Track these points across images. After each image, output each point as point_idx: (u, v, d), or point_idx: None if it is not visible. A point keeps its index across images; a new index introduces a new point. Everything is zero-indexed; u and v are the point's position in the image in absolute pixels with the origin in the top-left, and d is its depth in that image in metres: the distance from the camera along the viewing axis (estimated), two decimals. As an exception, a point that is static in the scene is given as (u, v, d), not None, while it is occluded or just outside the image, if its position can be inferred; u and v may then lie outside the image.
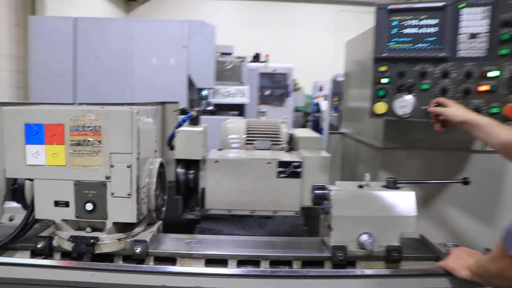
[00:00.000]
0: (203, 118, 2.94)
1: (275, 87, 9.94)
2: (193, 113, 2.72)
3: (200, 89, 6.36)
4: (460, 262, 1.87)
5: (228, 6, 15.70)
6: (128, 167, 1.95)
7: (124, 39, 5.66)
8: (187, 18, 6.32)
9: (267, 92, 9.85)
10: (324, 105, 11.16)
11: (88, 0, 11.72)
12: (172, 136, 2.59)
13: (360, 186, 2.12)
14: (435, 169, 2.49)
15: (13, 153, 1.96)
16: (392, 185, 2.10)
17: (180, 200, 2.65)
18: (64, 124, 1.93)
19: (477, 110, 2.03)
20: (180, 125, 2.62)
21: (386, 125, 2.47)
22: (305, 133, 2.96)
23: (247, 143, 2.96)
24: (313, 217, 2.77)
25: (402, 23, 2.11)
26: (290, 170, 2.52)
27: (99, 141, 1.93)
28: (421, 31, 2.10)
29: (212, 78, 5.89)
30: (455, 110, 2.00)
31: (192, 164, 2.60)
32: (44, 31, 5.64)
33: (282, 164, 2.52)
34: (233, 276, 1.97)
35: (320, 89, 12.25)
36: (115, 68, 5.67)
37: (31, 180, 2.01)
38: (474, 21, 2.00)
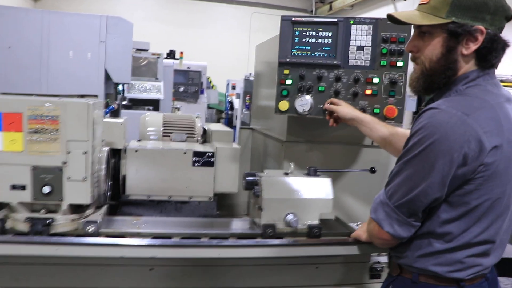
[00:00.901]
0: (122, 112, 3.12)
1: (189, 84, 10.10)
2: (114, 106, 2.92)
3: (117, 84, 6.43)
4: (363, 230, 2.22)
5: (144, 3, 15.56)
6: (84, 153, 2.11)
7: (40, 31, 5.58)
8: (102, 12, 6.33)
9: (181, 89, 9.99)
10: (237, 103, 11.48)
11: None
12: (95, 127, 2.77)
13: (286, 173, 2.43)
14: (332, 160, 2.80)
15: None
16: (312, 173, 2.43)
17: (101, 187, 2.83)
18: (23, 113, 2.05)
19: (363, 110, 2.42)
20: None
21: (289, 121, 2.77)
22: (217, 127, 3.21)
23: (164, 135, 3.15)
24: (224, 204, 3.07)
25: (303, 33, 2.45)
26: (204, 160, 2.76)
27: (57, 130, 2.07)
28: (318, 41, 2.44)
29: (129, 73, 5.96)
30: (345, 109, 2.36)
31: (114, 153, 2.79)
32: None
33: (197, 154, 2.76)
34: (180, 246, 2.19)
35: (233, 87, 12.55)
36: (29, 59, 5.57)
37: None
38: (361, 36, 2.39)
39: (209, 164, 2.75)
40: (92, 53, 5.72)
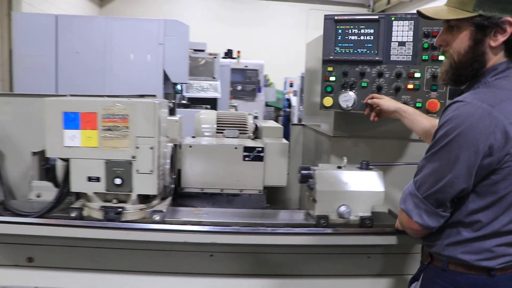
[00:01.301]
0: (177, 110, 3.30)
1: (246, 83, 10.25)
2: (170, 104, 3.09)
3: (175, 84, 6.68)
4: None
5: (200, 3, 15.90)
6: (151, 148, 2.31)
7: (104, 36, 5.93)
8: (160, 14, 6.64)
9: (239, 87, 10.16)
10: (294, 100, 11.56)
11: (63, -5, 11.89)
12: (152, 124, 2.96)
13: (339, 167, 2.53)
14: (378, 154, 2.86)
15: (52, 136, 2.29)
16: (365, 166, 2.51)
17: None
18: (97, 113, 2.28)
19: (405, 104, 2.48)
20: (159, 114, 2.99)
21: (336, 117, 2.86)
22: (268, 124, 3.34)
23: (218, 132, 3.32)
24: (274, 197, 3.20)
25: (346, 31, 2.54)
26: (254, 155, 2.90)
27: (127, 127, 2.28)
28: (360, 38, 2.52)
29: (186, 73, 6.20)
30: (388, 101, 2.43)
31: (170, 149, 2.98)
32: (27, 27, 5.89)
33: (247, 149, 2.90)
34: (238, 233, 2.37)
35: (291, 85, 12.62)
36: (94, 63, 5.94)
37: (66, 160, 2.35)
38: (402, 32, 2.45)
39: (259, 158, 2.88)
40: (152, 55, 5.99)
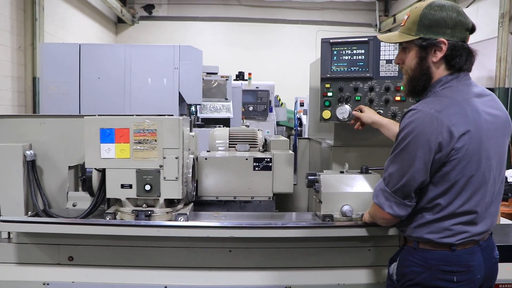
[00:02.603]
0: (193, 130, 3.60)
1: (258, 103, 10.50)
2: (187, 122, 3.42)
3: (190, 105, 7.01)
4: (366, 214, 2.62)
5: (212, 27, 16.26)
6: (176, 158, 2.63)
7: (123, 62, 6.28)
8: (173, 40, 6.96)
9: (251, 108, 10.43)
10: (305, 119, 11.81)
11: (81, 24, 12.38)
12: (172, 140, 3.28)
13: (342, 172, 2.83)
14: (376, 161, 2.99)
15: (90, 150, 2.63)
16: (365, 170, 2.80)
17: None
18: (129, 128, 2.62)
19: (394, 114, 2.80)
20: (177, 131, 3.31)
21: (336, 128, 3.15)
22: (275, 137, 3.65)
23: (230, 146, 3.62)
24: (283, 205, 3.47)
25: (340, 52, 2.88)
26: (263, 165, 3.18)
27: (155, 140, 2.62)
28: (353, 58, 2.86)
29: (200, 95, 6.50)
30: (366, 114, 2.76)
31: (187, 161, 3.29)
32: (53, 56, 6.26)
33: (257, 160, 3.18)
34: (255, 227, 2.70)
35: (301, 104, 12.84)
36: (115, 87, 6.27)
37: (101, 170, 2.69)
38: (389, 51, 2.79)
39: (268, 168, 3.17)
40: (167, 79, 6.32)
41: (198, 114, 7.97)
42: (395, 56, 2.74)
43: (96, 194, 2.75)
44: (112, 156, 2.63)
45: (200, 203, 3.21)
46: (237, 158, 3.21)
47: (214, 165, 3.18)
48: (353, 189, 2.73)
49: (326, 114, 2.91)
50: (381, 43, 2.79)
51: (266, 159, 3.19)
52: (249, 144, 3.58)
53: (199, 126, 7.13)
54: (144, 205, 2.70)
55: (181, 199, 2.81)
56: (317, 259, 2.86)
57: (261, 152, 3.51)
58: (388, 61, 2.80)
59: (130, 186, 2.65)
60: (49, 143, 2.98)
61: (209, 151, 3.51)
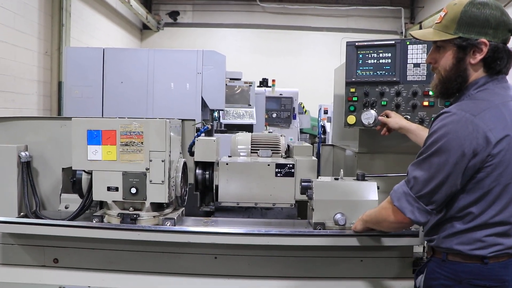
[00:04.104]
0: (216, 135, 3.56)
1: (281, 110, 10.44)
2: (209, 126, 3.38)
3: (213, 110, 6.99)
4: (357, 222, 2.51)
5: (236, 34, 16.31)
6: (162, 161, 2.61)
7: (146, 67, 6.28)
8: (197, 46, 6.93)
9: (274, 115, 10.39)
10: (328, 126, 11.72)
11: (106, 30, 12.52)
12: (193, 144, 3.24)
13: (336, 179, 2.75)
14: (399, 169, 2.95)
15: (78, 151, 2.63)
16: (361, 177, 2.72)
17: (198, 196, 3.29)
18: (116, 130, 2.60)
19: (422, 120, 2.71)
20: (199, 135, 3.27)
21: (361, 134, 3.10)
22: (298, 143, 3.59)
23: (252, 152, 3.58)
24: (304, 210, 3.40)
25: (366, 55, 2.80)
26: (285, 171, 3.13)
27: (141, 142, 2.60)
28: (379, 61, 2.78)
29: (223, 100, 6.44)
30: (393, 119, 2.67)
31: (208, 166, 3.22)
32: (77, 60, 6.29)
33: (279, 166, 3.13)
34: (238, 234, 2.62)
35: (325, 111, 12.76)
36: (138, 92, 6.26)
37: (89, 173, 2.67)
38: (416, 54, 2.70)
39: (290, 174, 3.10)
40: (190, 84, 6.29)
41: (221, 120, 7.94)
42: (423, 59, 2.69)
43: (85, 196, 2.75)
44: (99, 158, 2.63)
45: (221, 209, 3.17)
46: (259, 164, 3.15)
47: (235, 170, 3.14)
48: (347, 197, 2.64)
49: (351, 119, 2.84)
50: (409, 45, 2.70)
51: (288, 165, 3.13)
52: (272, 150, 3.53)
53: (222, 132, 7.09)
54: (131, 208, 2.68)
55: (171, 203, 2.79)
56: (306, 268, 2.77)
57: (283, 158, 3.46)
58: (416, 65, 2.71)
59: (117, 189, 2.64)
60: (45, 144, 3.00)
61: (230, 156, 3.46)
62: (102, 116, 6.10)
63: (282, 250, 2.71)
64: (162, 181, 2.62)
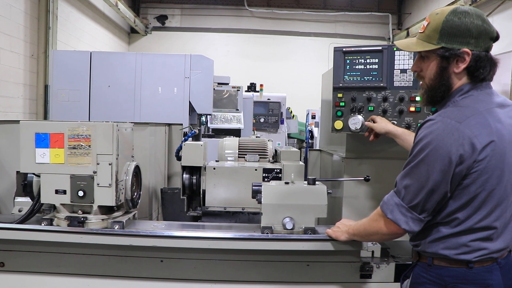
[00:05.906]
0: (203, 140, 3.57)
1: (269, 115, 10.47)
2: (196, 130, 3.38)
3: (200, 115, 6.98)
4: (340, 229, 2.51)
5: (224, 38, 16.31)
6: (110, 164, 2.62)
7: (133, 71, 6.27)
8: (185, 51, 6.93)
9: (262, 119, 10.41)
10: (316, 131, 11.76)
11: (94, 33, 12.46)
12: (180, 149, 3.24)
13: (286, 183, 2.73)
14: (386, 174, 3.01)
15: (26, 154, 2.63)
16: (311, 182, 2.70)
17: (185, 200, 3.29)
18: (64, 133, 2.61)
19: (408, 125, 2.72)
20: (186, 139, 3.27)
21: (348, 140, 3.09)
22: (286, 148, 3.60)
23: (240, 157, 3.59)
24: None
25: (353, 61, 2.81)
26: (272, 175, 3.15)
27: (89, 145, 2.60)
28: (367, 67, 2.79)
29: (211, 105, 6.44)
30: (379, 124, 2.68)
31: (195, 171, 3.24)
32: (64, 63, 6.26)
33: (266, 170, 3.15)
34: (181, 238, 2.61)
35: (313, 116, 12.80)
36: (125, 96, 6.24)
37: (38, 176, 2.67)
38: (403, 60, 2.71)
39: (277, 179, 3.12)
40: (178, 88, 6.29)
41: (209, 125, 7.94)
42: (410, 65, 2.70)
43: (35, 199, 2.74)
44: (47, 161, 2.63)
45: (208, 214, 3.17)
46: (247, 169, 3.17)
47: (223, 175, 3.15)
48: (296, 201, 2.63)
49: (338, 124, 2.84)
50: (396, 52, 2.72)
51: (276, 170, 3.15)
52: (259, 155, 3.55)
53: (209, 136, 7.09)
54: (80, 211, 2.68)
55: (121, 206, 2.79)
56: (253, 273, 2.74)
57: (271, 163, 3.47)
58: (403, 71, 2.72)
59: (64, 192, 2.64)
60: (0, 148, 3.01)
61: (218, 160, 3.46)
62: (89, 120, 6.07)
63: (229, 254, 2.69)
64: (110, 184, 2.62)
